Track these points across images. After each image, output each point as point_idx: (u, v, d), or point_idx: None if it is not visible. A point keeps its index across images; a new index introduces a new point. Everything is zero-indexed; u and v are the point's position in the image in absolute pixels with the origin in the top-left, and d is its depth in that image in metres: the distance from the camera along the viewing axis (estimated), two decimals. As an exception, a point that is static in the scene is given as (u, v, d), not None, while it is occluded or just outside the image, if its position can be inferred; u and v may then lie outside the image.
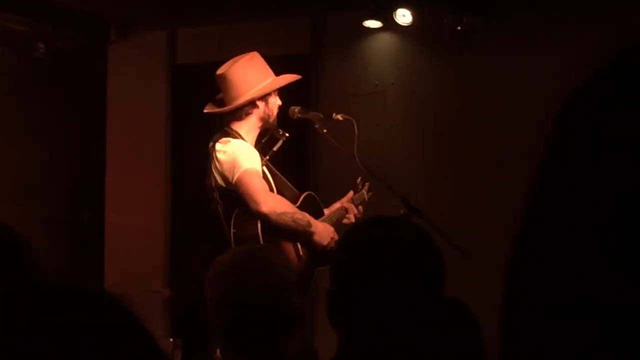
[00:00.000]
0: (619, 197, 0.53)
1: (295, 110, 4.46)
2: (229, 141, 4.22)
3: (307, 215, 4.24)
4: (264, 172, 4.28)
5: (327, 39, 6.09)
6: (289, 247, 4.21)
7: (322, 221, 4.37)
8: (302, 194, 4.47)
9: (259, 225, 4.10)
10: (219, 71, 4.36)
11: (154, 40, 6.48)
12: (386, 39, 5.96)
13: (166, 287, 6.34)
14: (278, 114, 4.42)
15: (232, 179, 4.13)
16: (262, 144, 4.42)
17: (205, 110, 4.44)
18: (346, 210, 4.51)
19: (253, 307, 2.26)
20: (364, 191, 4.68)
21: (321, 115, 4.47)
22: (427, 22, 5.74)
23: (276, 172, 4.45)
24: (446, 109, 5.79)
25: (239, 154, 4.16)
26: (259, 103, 4.31)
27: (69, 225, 6.46)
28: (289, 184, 4.48)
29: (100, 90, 6.59)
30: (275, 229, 4.11)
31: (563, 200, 0.56)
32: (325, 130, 4.42)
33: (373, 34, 5.95)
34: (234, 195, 4.14)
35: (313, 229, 4.22)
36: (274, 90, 4.36)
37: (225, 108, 4.34)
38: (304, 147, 5.96)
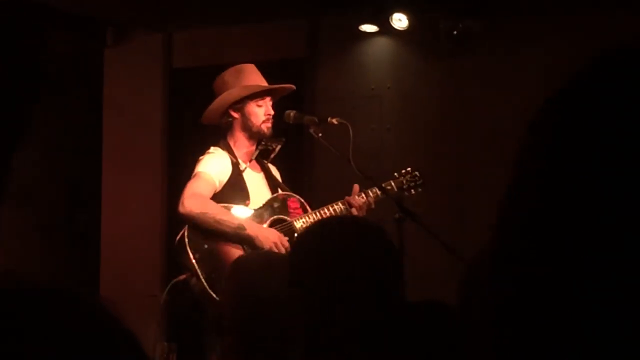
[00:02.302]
0: (593, 200, 0.54)
1: (290, 114, 4.47)
2: (208, 150, 4.33)
3: (240, 219, 4.21)
4: (241, 179, 4.30)
5: (323, 43, 6.10)
6: (238, 251, 4.19)
7: (296, 220, 4.35)
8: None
9: (185, 230, 4.16)
10: None
11: (150, 44, 6.48)
12: (382, 43, 5.97)
13: (162, 291, 6.34)
14: (273, 122, 4.42)
15: None
16: (258, 154, 4.45)
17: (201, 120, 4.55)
18: (349, 205, 4.42)
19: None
20: (396, 182, 4.59)
21: (316, 119, 4.47)
22: (423, 27, 5.74)
23: (275, 178, 4.48)
24: (442, 112, 5.80)
25: (202, 160, 4.27)
26: (233, 114, 4.37)
27: (64, 229, 6.44)
28: (286, 190, 4.49)
29: (96, 93, 6.58)
30: (202, 230, 4.13)
31: (536, 201, 0.57)
32: (320, 135, 4.43)
33: (369, 38, 5.95)
34: None
35: (248, 231, 4.17)
36: (249, 99, 4.37)
37: (203, 118, 4.47)
38: (300, 152, 5.95)
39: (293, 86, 4.54)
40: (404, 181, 4.58)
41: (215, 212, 4.16)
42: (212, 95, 4.50)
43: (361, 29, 5.86)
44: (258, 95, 4.41)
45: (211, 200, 4.20)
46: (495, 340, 0.57)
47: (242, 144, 4.41)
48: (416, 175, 4.61)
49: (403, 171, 4.62)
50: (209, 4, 5.92)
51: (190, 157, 4.68)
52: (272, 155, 4.50)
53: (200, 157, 4.33)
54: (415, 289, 2.91)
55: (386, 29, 5.81)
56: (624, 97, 0.56)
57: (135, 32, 6.45)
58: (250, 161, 4.41)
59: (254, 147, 4.44)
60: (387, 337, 1.73)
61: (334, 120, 4.40)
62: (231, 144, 4.39)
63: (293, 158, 5.99)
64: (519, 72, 5.48)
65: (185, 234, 4.17)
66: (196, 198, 4.15)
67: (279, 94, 4.54)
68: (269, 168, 4.53)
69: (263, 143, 4.42)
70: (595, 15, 5.17)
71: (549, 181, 0.57)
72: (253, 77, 4.44)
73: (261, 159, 4.51)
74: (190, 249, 4.15)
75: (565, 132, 0.58)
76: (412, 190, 4.59)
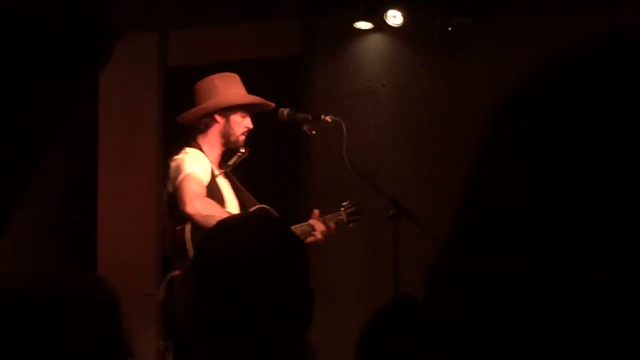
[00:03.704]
0: (550, 193, 0.55)
1: (284, 112, 4.48)
2: (185, 150, 4.35)
3: None
4: (216, 184, 4.32)
5: (318, 41, 6.10)
6: None
7: None
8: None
9: (188, 229, 4.18)
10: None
11: (145, 42, 6.48)
12: (377, 40, 5.97)
13: (159, 289, 6.35)
14: (247, 135, 4.46)
15: (175, 183, 4.24)
16: (223, 157, 4.48)
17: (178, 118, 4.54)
18: (312, 228, 4.46)
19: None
20: (344, 213, 4.64)
21: (309, 117, 4.49)
22: (418, 23, 5.75)
23: (238, 185, 4.52)
24: (437, 109, 5.80)
25: (185, 160, 4.28)
26: (218, 118, 4.40)
27: (60, 228, 6.45)
28: (252, 197, 4.52)
29: (91, 92, 6.58)
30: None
31: (491, 196, 0.58)
32: (314, 132, 4.44)
33: (364, 35, 5.95)
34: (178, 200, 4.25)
35: None
36: (238, 109, 4.40)
37: (182, 116, 4.48)
38: (295, 150, 5.96)
39: (274, 105, 4.57)
40: (345, 215, 4.64)
41: (221, 215, 4.17)
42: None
43: (356, 26, 5.87)
44: (247, 107, 4.43)
45: (215, 203, 4.23)
46: (452, 336, 0.58)
47: (214, 149, 4.44)
48: (355, 210, 4.68)
49: (345, 203, 4.67)
50: (204, 3, 5.93)
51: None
52: (235, 161, 4.53)
53: (177, 157, 4.34)
54: (409, 286, 2.92)
55: (381, 26, 5.81)
56: (574, 98, 0.57)
57: (130, 31, 6.44)
58: (220, 167, 4.44)
59: (220, 153, 4.46)
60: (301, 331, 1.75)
61: (328, 118, 4.42)
62: (204, 147, 4.42)
63: (287, 155, 6.00)
64: (514, 69, 5.48)
65: (189, 230, 4.18)
66: (201, 199, 4.18)
67: (256, 109, 4.57)
68: (231, 176, 4.56)
69: (241, 152, 4.44)
70: (592, 14, 5.17)
71: (506, 175, 0.58)
72: (241, 88, 4.47)
73: (224, 166, 4.53)
74: (194, 247, 4.16)
75: (520, 129, 0.59)
76: (351, 224, 4.66)
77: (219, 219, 4.10)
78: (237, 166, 4.56)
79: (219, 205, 4.24)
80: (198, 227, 4.15)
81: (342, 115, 4.48)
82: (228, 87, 4.43)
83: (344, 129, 4.34)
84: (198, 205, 4.14)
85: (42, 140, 0.77)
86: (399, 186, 5.07)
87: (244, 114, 4.43)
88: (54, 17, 0.75)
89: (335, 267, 5.32)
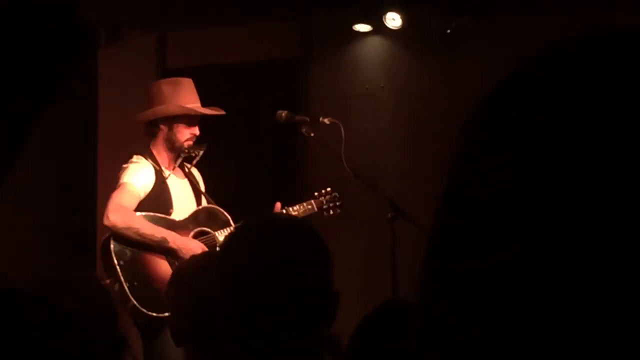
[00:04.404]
0: (525, 195, 0.55)
1: (282, 114, 4.48)
2: (132, 159, 4.41)
3: (164, 231, 4.30)
4: (164, 187, 4.38)
5: (317, 43, 6.10)
6: (162, 260, 4.31)
7: (219, 233, 4.43)
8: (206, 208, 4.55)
9: (112, 240, 4.25)
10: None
11: (144, 44, 6.48)
12: (376, 42, 5.97)
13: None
14: (195, 141, 4.47)
15: None
16: (182, 159, 4.52)
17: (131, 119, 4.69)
18: None
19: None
20: (313, 203, 4.63)
21: (307, 119, 4.49)
22: (417, 25, 5.74)
23: (197, 185, 4.56)
24: (436, 111, 5.79)
25: (126, 169, 4.36)
26: (161, 126, 4.41)
27: (60, 229, 6.45)
28: (208, 197, 4.56)
29: (90, 93, 6.58)
30: (128, 243, 4.24)
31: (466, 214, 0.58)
32: (312, 134, 4.44)
33: (362, 37, 5.96)
34: None
35: (171, 244, 4.27)
36: (182, 119, 4.40)
37: (132, 119, 4.54)
38: (293, 151, 5.96)
39: (224, 112, 4.55)
40: (324, 201, 4.63)
41: (138, 226, 4.25)
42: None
43: (354, 29, 5.87)
44: (191, 117, 4.44)
45: (135, 214, 4.28)
46: (445, 338, 0.58)
47: (163, 154, 4.48)
48: (335, 195, 4.68)
49: (323, 191, 4.68)
50: (203, 4, 5.93)
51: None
52: (195, 161, 4.54)
53: (124, 165, 4.39)
54: (408, 288, 2.92)
55: (379, 28, 5.81)
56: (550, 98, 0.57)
57: (129, 33, 6.44)
58: (173, 168, 4.46)
59: (170, 155, 4.49)
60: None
61: (326, 120, 4.42)
62: (154, 151, 4.46)
63: (285, 157, 6.00)
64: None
65: (111, 239, 4.24)
66: (120, 211, 4.23)
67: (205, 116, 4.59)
68: (192, 173, 4.57)
69: (186, 150, 4.46)
70: (594, 14, 5.17)
71: (492, 169, 0.58)
72: (190, 96, 4.47)
73: (184, 165, 4.55)
74: (115, 255, 4.24)
75: (493, 135, 0.59)
76: (331, 211, 4.65)
77: (136, 229, 4.20)
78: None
79: (141, 218, 4.28)
80: (116, 237, 4.24)
81: (341, 117, 4.48)
82: (174, 95, 4.44)
83: (343, 131, 4.34)
84: (114, 217, 4.20)
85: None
86: (397, 188, 5.07)
87: (189, 123, 4.45)
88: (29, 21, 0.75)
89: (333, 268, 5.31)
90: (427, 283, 0.60)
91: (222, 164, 5.99)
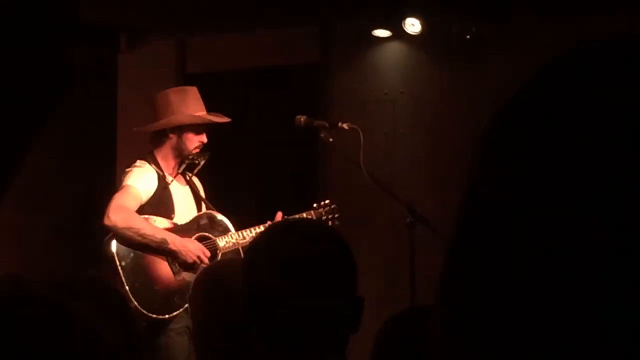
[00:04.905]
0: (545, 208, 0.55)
1: (301, 119, 4.49)
2: (136, 163, 4.43)
3: (164, 233, 4.31)
4: (167, 192, 4.40)
5: (336, 48, 6.10)
6: (163, 262, 4.33)
7: (220, 239, 4.44)
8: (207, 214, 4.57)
9: (113, 241, 4.28)
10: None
11: (163, 50, 6.51)
12: (395, 47, 5.97)
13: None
14: (203, 148, 4.51)
15: None
16: (185, 166, 4.54)
17: (134, 128, 4.73)
18: None
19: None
20: (314, 213, 4.64)
21: (327, 125, 4.49)
22: (436, 31, 5.73)
23: (198, 192, 4.59)
24: (455, 117, 5.78)
25: (130, 173, 4.38)
26: (171, 135, 4.43)
27: (79, 233, 6.47)
28: (209, 204, 4.58)
29: (110, 99, 6.61)
30: (128, 244, 4.26)
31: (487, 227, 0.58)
32: (331, 140, 4.44)
33: (382, 43, 5.95)
34: None
35: (171, 246, 4.28)
36: (191, 127, 4.42)
37: (139, 128, 4.59)
38: (312, 157, 5.96)
39: (229, 119, 4.59)
40: (323, 212, 4.64)
41: (139, 226, 4.27)
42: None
43: (374, 34, 5.86)
44: (199, 125, 4.47)
45: (136, 214, 4.30)
46: (464, 343, 0.58)
47: (169, 160, 4.51)
48: (334, 207, 4.69)
49: (322, 202, 4.69)
50: (223, 10, 5.94)
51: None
52: (197, 169, 4.56)
53: (128, 169, 4.42)
54: (426, 294, 2.91)
55: (399, 33, 5.80)
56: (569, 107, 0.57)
57: (148, 38, 6.47)
58: (176, 175, 4.49)
59: (176, 162, 4.53)
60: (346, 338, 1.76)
61: (345, 126, 4.42)
62: (158, 158, 4.50)
63: (304, 163, 6.00)
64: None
65: (112, 240, 4.29)
66: (121, 212, 4.25)
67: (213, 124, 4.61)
68: (193, 181, 4.59)
69: (190, 157, 4.47)
70: (614, 20, 5.14)
71: (500, 188, 0.58)
72: (197, 104, 4.50)
73: (186, 172, 4.57)
74: (117, 255, 4.26)
75: (515, 142, 0.58)
76: (330, 223, 4.67)
77: (137, 229, 4.21)
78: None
79: (141, 219, 4.30)
80: (120, 239, 4.26)
81: (360, 123, 4.48)
82: (182, 104, 4.48)
83: (362, 136, 4.34)
84: (115, 217, 4.22)
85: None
86: (416, 194, 5.06)
87: (197, 131, 4.48)
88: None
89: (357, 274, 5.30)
90: (449, 289, 0.60)
91: (242, 169, 6.01)
